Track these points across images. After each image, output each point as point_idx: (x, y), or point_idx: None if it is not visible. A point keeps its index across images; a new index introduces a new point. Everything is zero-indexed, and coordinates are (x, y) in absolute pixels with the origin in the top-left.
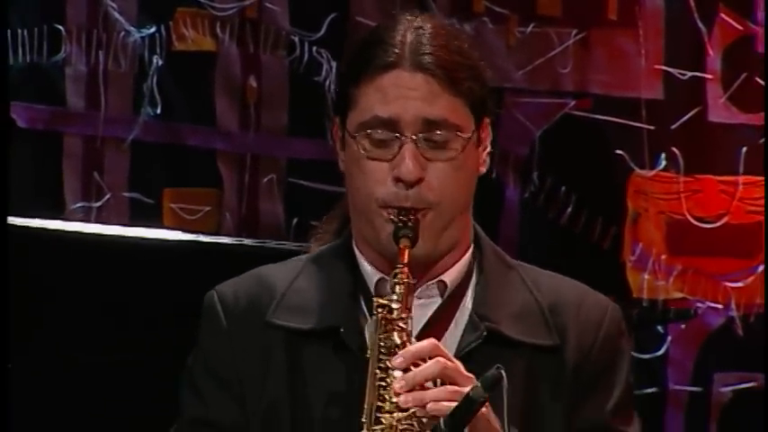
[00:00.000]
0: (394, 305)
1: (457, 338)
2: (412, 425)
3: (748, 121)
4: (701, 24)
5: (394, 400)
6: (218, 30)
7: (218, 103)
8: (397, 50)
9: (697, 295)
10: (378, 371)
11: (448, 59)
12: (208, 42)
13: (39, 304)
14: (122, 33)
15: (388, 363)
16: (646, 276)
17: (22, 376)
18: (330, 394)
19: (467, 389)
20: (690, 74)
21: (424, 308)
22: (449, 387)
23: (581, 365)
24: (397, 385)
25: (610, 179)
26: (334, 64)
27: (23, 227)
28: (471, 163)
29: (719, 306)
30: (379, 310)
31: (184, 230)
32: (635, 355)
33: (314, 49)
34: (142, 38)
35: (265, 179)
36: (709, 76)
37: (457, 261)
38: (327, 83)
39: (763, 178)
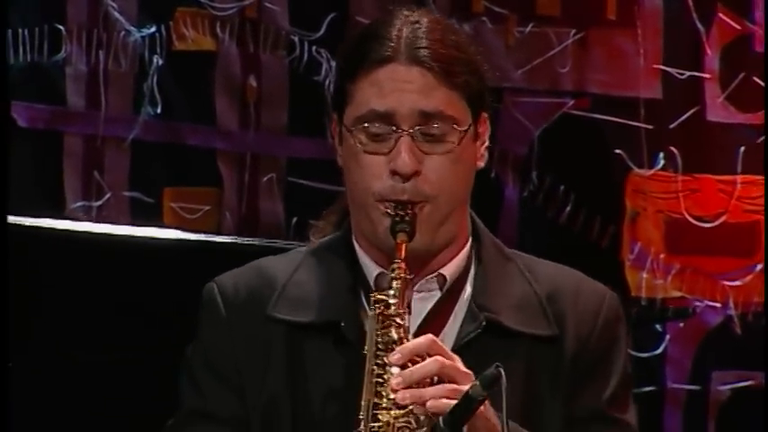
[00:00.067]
0: (391, 300)
1: (455, 331)
2: (409, 422)
3: (746, 120)
4: (699, 24)
5: (391, 396)
6: (218, 29)
7: (218, 102)
8: (392, 44)
9: (695, 294)
10: (375, 367)
11: (444, 53)
12: (208, 42)
13: (39, 303)
14: (123, 33)
15: (385, 359)
16: (644, 275)
17: (22, 375)
18: (330, 388)
19: (465, 386)
20: (688, 73)
21: (424, 301)
22: (447, 385)
23: (579, 354)
24: (394, 382)
25: (608, 178)
26: (333, 63)
27: (24, 226)
28: (468, 156)
29: (718, 305)
30: (377, 305)
31: (184, 229)
32: (634, 353)
33: (313, 48)
34: (142, 37)
35: (265, 178)
36: (708, 76)
37: (456, 255)
38: (327, 82)
39: (761, 177)
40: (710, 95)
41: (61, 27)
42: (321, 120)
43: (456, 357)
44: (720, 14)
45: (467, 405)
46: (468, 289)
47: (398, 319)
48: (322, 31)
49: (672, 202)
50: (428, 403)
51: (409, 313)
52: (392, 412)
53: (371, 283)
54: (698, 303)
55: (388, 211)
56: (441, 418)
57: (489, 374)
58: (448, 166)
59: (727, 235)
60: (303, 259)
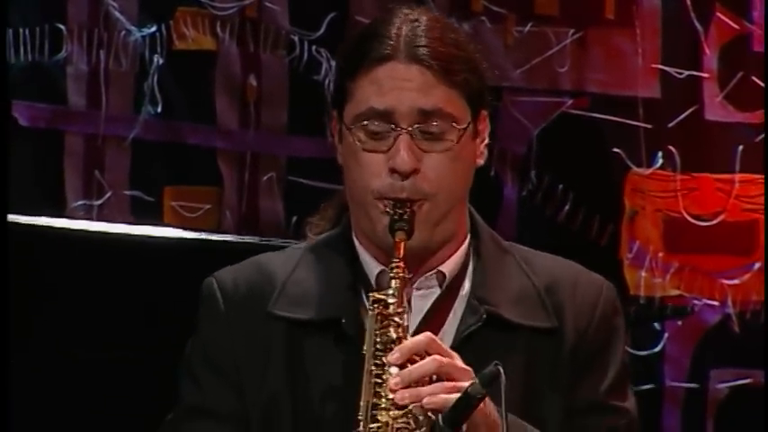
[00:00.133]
0: (390, 300)
1: (455, 325)
2: (408, 422)
3: (745, 119)
4: (697, 24)
5: (390, 397)
6: (219, 29)
7: (218, 101)
8: (392, 42)
9: (694, 292)
10: (374, 367)
11: (443, 51)
12: (208, 41)
13: (39, 301)
14: (123, 32)
15: (384, 359)
16: (643, 274)
17: (23, 373)
18: (331, 386)
19: (464, 383)
20: (686, 73)
21: (424, 298)
22: (446, 383)
23: (578, 346)
24: (392, 382)
25: (607, 177)
26: (333, 63)
27: (25, 225)
28: (468, 154)
29: (716, 303)
30: (375, 305)
31: (185, 228)
32: (632, 351)
33: (313, 48)
34: (143, 37)
35: (265, 177)
36: (706, 75)
37: (455, 251)
38: (327, 82)
39: (759, 176)
40: (709, 95)
41: (62, 27)
42: (321, 119)
43: (454, 355)
44: (719, 14)
45: (466, 403)
46: (467, 285)
47: (397, 319)
48: (322, 31)
49: (670, 200)
50: (425, 400)
51: (409, 311)
52: (391, 413)
53: (372, 281)
54: (696, 302)
55: (387, 209)
56: (440, 416)
57: (488, 372)
58: (447, 164)
59: (725, 234)
60: (302, 256)
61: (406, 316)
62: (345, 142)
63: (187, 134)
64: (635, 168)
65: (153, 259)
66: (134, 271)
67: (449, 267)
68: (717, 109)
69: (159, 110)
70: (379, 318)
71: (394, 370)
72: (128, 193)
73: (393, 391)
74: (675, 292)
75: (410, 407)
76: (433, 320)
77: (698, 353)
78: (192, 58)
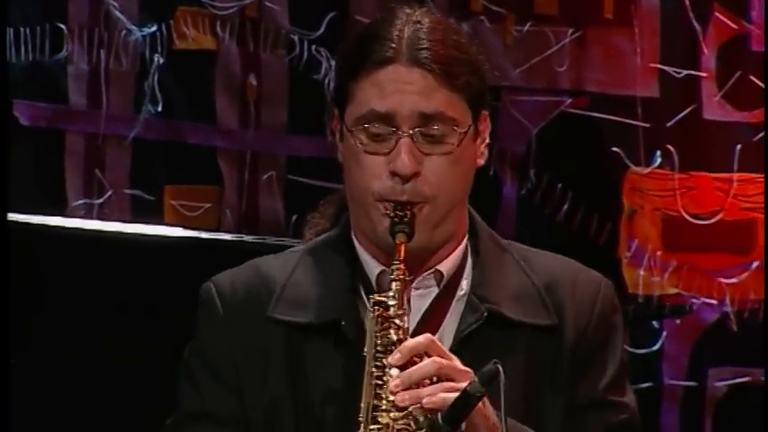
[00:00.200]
0: (390, 302)
1: (455, 324)
2: (409, 424)
3: (743, 118)
4: (695, 23)
5: (391, 398)
6: (219, 28)
7: (218, 101)
8: (394, 45)
9: (692, 291)
10: (374, 369)
11: (445, 54)
12: (208, 41)
13: (40, 300)
14: (124, 32)
15: (384, 360)
16: (641, 272)
17: (23, 373)
18: (332, 389)
19: (463, 384)
20: (685, 72)
21: (422, 298)
22: (445, 384)
23: (578, 344)
24: (392, 384)
25: (606, 176)
26: (333, 62)
27: (25, 223)
28: (468, 156)
29: (714, 302)
30: (376, 307)
31: (185, 227)
32: (631, 350)
33: (313, 47)
34: (143, 36)
35: (265, 176)
36: (704, 75)
37: (453, 251)
38: (327, 81)
39: (757, 175)
40: (707, 94)
41: (63, 26)
42: (321, 118)
43: (454, 357)
44: (717, 14)
45: (465, 401)
46: (465, 284)
47: (398, 321)
48: (322, 31)
49: (669, 199)
50: (424, 400)
51: (409, 312)
52: (392, 414)
53: (373, 281)
54: (694, 300)
55: (388, 211)
56: (439, 415)
57: (487, 371)
58: (447, 166)
59: (723, 232)
60: (301, 258)
61: (406, 318)
62: (346, 143)
63: (187, 133)
64: (633, 167)
65: (153, 258)
66: (134, 270)
67: (446, 267)
68: (715, 108)
69: (159, 109)
70: (379, 320)
71: (394, 372)
72: (128, 192)
73: (393, 393)
74: (674, 291)
75: (410, 408)
76: (431, 320)
77: (696, 351)
78: (192, 57)
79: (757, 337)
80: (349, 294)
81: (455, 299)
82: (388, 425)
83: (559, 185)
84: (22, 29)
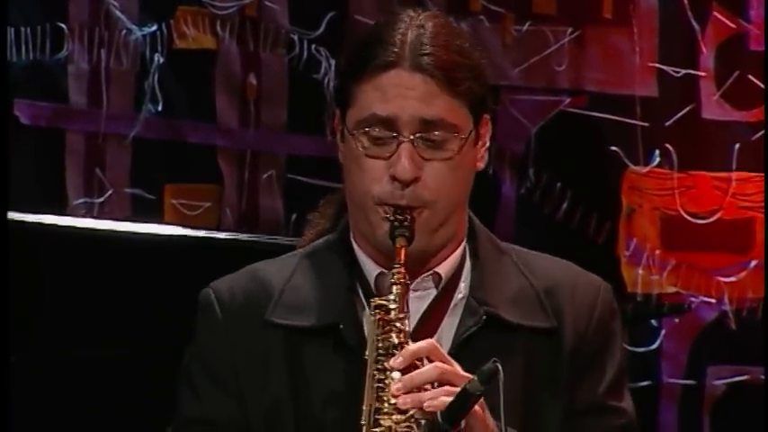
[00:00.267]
0: (391, 306)
1: (453, 327)
2: (411, 427)
3: (741, 117)
4: (694, 23)
5: (392, 401)
6: (219, 28)
7: (218, 100)
8: (396, 50)
9: (690, 290)
10: (376, 372)
11: (447, 60)
12: (208, 40)
13: (40, 299)
14: (124, 31)
15: (386, 364)
16: (640, 271)
17: (23, 371)
18: (332, 392)
19: None
20: (683, 71)
21: (420, 300)
22: (447, 388)
23: (578, 348)
24: (394, 387)
25: (604, 175)
26: (332, 62)
27: (25, 222)
28: (468, 161)
29: (713, 300)
30: (377, 311)
31: (185, 226)
32: (630, 348)
33: (313, 47)
34: (143, 36)
35: (265, 175)
36: (703, 74)
37: (451, 253)
38: (326, 80)
39: (755, 174)
40: (706, 93)
41: (63, 25)
42: (320, 117)
43: (455, 363)
44: (715, 13)
45: (464, 399)
46: (462, 286)
47: (399, 324)
48: (321, 30)
49: (667, 198)
50: (425, 404)
51: (409, 314)
52: (394, 417)
53: (371, 283)
54: (693, 299)
55: (388, 215)
56: (439, 414)
57: (487, 369)
58: (447, 172)
59: (722, 231)
60: (299, 262)
61: (407, 321)
62: (347, 145)
63: (187, 132)
64: (632, 166)
65: (153, 257)
66: (135, 268)
67: (445, 269)
68: (713, 107)
69: (160, 108)
70: (380, 323)
71: (396, 375)
72: (128, 190)
73: (395, 397)
74: (672, 290)
75: (412, 412)
76: (429, 322)
77: (695, 350)
78: (192, 56)
79: (756, 335)
80: (347, 297)
81: (453, 301)
82: (390, 428)
83: (558, 184)
84: (22, 28)
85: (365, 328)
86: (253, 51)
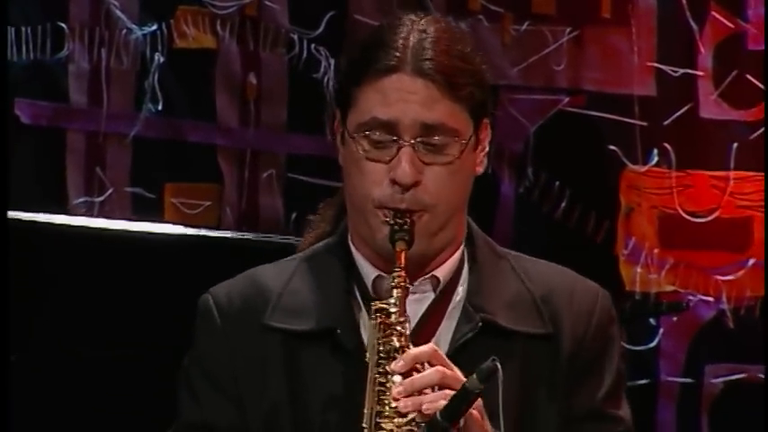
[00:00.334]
0: (392, 309)
1: (451, 331)
2: (411, 430)
3: (739, 117)
4: (692, 22)
5: (393, 404)
6: (219, 27)
7: (218, 99)
8: (398, 54)
9: (689, 288)
10: (377, 375)
11: (448, 65)
12: (208, 40)
13: (40, 298)
14: (124, 31)
15: (387, 367)
16: (638, 270)
17: (23, 370)
18: (330, 395)
19: None
20: (682, 71)
21: (418, 303)
22: (447, 391)
23: (576, 354)
24: (395, 391)
25: (603, 174)
26: (332, 61)
27: (26, 221)
28: (468, 165)
29: (711, 299)
30: (378, 314)
31: (185, 225)
32: (628, 347)
33: (313, 46)
34: (144, 35)
35: (265, 174)
36: (701, 73)
37: (450, 257)
38: (326, 80)
39: (753, 173)
40: (704, 92)
41: (64, 25)
42: (320, 117)
43: (455, 367)
44: (713, 13)
45: (463, 398)
46: (461, 290)
47: (399, 328)
48: (321, 30)
49: (666, 197)
50: (424, 406)
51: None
52: (395, 420)
53: (369, 286)
54: (691, 297)
55: (387, 219)
56: (438, 412)
57: (486, 367)
58: (447, 176)
59: (720, 230)
60: (297, 267)
61: (407, 325)
62: (348, 148)
63: (187, 132)
64: (631, 165)
65: (153, 256)
66: (135, 268)
67: (443, 272)
68: (711, 107)
69: (160, 107)
70: (381, 327)
71: (397, 378)
72: (129, 190)
73: (396, 400)
74: (670, 288)
75: (413, 415)
76: (427, 325)
77: (693, 348)
78: (192, 56)
79: (754, 334)
80: (345, 301)
81: (451, 305)
82: (391, 431)
83: (557, 183)
84: (23, 28)
85: (362, 331)
86: (253, 51)
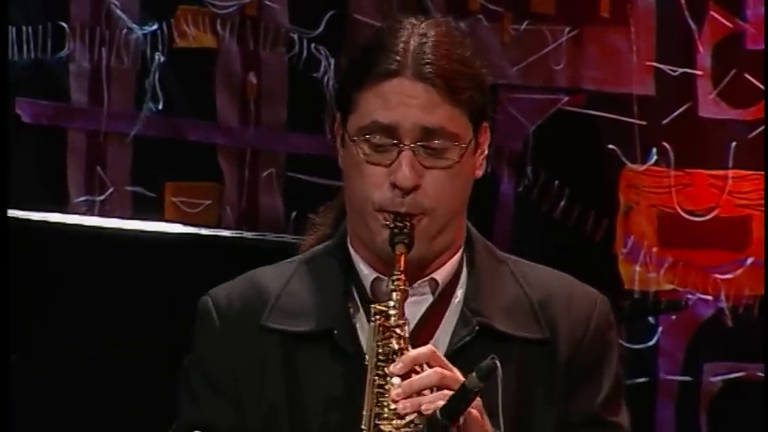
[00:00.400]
0: (391, 312)
1: (449, 334)
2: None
3: (738, 116)
4: (691, 22)
5: (393, 406)
6: (219, 27)
7: (218, 98)
8: (399, 58)
9: (687, 287)
10: (376, 377)
11: (449, 69)
12: (209, 39)
13: (41, 297)
14: (125, 30)
15: (386, 369)
16: (637, 268)
17: (23, 369)
18: (327, 396)
19: None
20: (680, 70)
21: (417, 305)
22: (445, 392)
23: (573, 359)
24: (394, 393)
25: (602, 173)
26: (332, 61)
27: (27, 220)
28: (467, 169)
29: (709, 297)
30: (377, 317)
31: (185, 224)
32: (627, 345)
33: (312, 45)
34: (144, 35)
35: (265, 173)
36: (700, 73)
37: (448, 259)
38: (326, 79)
39: (752, 172)
40: (702, 92)
41: (64, 25)
42: (320, 116)
43: (454, 368)
44: (712, 12)
45: (463, 396)
46: (459, 293)
47: (398, 330)
48: (321, 29)
49: (664, 196)
50: (423, 407)
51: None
52: (394, 422)
53: (367, 288)
54: (690, 296)
55: (387, 222)
56: (437, 410)
57: (485, 366)
58: (447, 180)
59: (718, 229)
60: (296, 269)
61: (407, 327)
62: (348, 151)
63: (188, 131)
64: (629, 164)
65: (154, 254)
66: (135, 266)
67: (442, 275)
68: (710, 106)
69: (160, 107)
70: (380, 329)
71: (396, 380)
72: (129, 189)
73: (395, 402)
74: (669, 287)
75: (412, 417)
76: (425, 327)
77: (691, 346)
78: (192, 55)
79: (752, 332)
80: (343, 303)
81: (449, 307)
82: None
83: (556, 182)
84: (24, 27)
85: (359, 333)
86: (253, 50)
